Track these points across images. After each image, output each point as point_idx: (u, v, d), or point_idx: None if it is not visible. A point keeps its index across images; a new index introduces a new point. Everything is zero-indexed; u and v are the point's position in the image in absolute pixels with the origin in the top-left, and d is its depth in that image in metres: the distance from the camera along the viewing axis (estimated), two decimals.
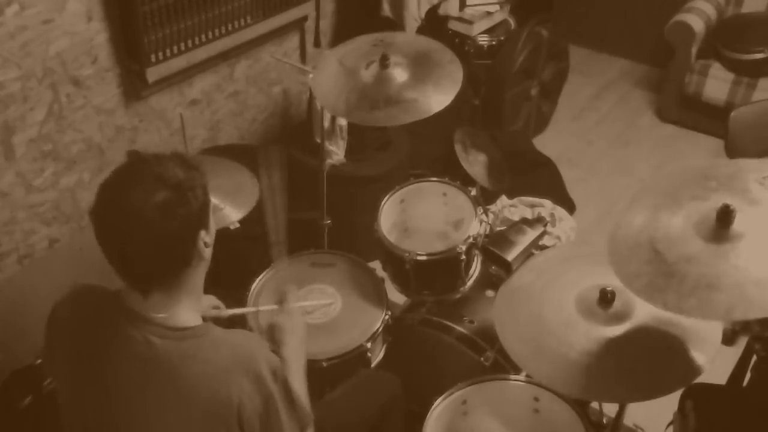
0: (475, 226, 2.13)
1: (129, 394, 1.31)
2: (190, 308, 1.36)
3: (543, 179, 3.36)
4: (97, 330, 1.34)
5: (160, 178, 1.25)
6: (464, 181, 2.30)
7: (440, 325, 2.18)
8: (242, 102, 3.13)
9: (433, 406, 1.76)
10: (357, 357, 1.97)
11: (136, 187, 1.24)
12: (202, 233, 1.32)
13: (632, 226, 1.47)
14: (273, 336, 1.63)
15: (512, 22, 3.63)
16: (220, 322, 1.72)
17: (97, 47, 2.44)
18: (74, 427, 1.40)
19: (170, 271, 1.30)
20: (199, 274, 1.37)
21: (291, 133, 3.27)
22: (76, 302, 1.41)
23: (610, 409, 2.01)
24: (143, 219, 1.22)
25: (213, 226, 1.38)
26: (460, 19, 3.49)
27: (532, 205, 3.00)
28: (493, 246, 2.05)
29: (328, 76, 2.13)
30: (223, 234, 1.78)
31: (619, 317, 1.63)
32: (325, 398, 1.78)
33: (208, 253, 1.35)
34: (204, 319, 1.40)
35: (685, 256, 1.36)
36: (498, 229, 2.71)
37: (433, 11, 3.44)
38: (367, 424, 1.82)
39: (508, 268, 1.97)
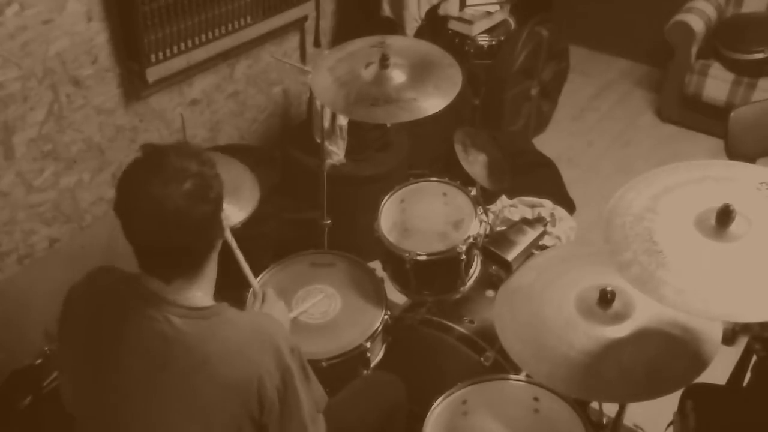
0: (475, 226, 2.13)
1: (147, 373, 1.32)
2: (206, 291, 1.39)
3: (543, 179, 3.36)
4: (114, 310, 1.36)
5: (182, 168, 1.28)
6: (464, 181, 2.30)
7: (440, 325, 2.18)
8: (242, 102, 3.13)
9: (433, 406, 1.76)
10: (357, 357, 1.97)
11: (163, 179, 1.26)
12: (222, 214, 1.37)
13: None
14: None
15: (512, 22, 3.63)
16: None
17: (97, 47, 2.44)
18: (88, 408, 1.41)
19: (198, 257, 1.34)
20: (215, 259, 1.41)
21: (291, 133, 3.27)
22: (94, 283, 1.43)
23: (610, 409, 2.01)
24: (175, 210, 1.25)
25: None
26: (460, 19, 3.49)
27: (532, 205, 3.00)
28: (493, 246, 2.05)
29: (327, 75, 2.14)
30: None
31: (619, 317, 1.63)
32: (329, 401, 1.79)
33: (226, 230, 1.43)
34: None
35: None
36: (498, 229, 2.72)
37: (433, 11, 3.44)
38: (370, 429, 1.82)
39: (508, 268, 1.97)
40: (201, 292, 1.37)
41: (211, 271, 1.40)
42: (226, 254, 1.72)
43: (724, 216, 1.37)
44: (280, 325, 1.45)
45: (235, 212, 2.07)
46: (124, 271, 1.40)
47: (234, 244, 1.77)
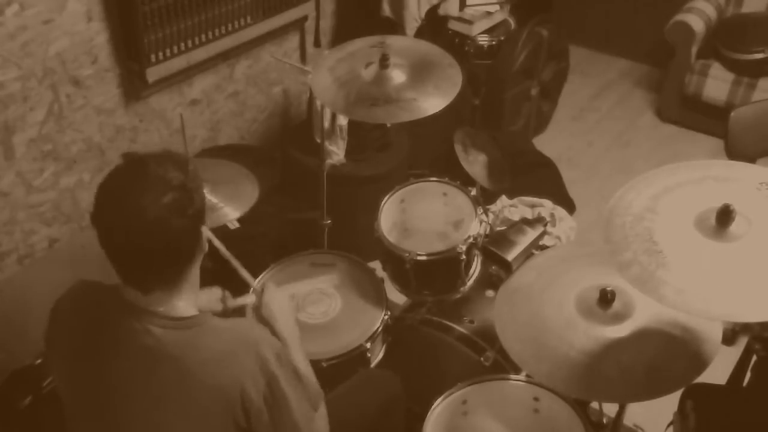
0: (475, 226, 2.12)
1: (131, 385, 1.32)
2: (188, 301, 1.38)
3: (543, 179, 3.36)
4: (98, 323, 1.36)
5: (164, 180, 1.26)
6: (464, 181, 2.30)
7: (440, 325, 2.18)
8: (242, 102, 3.13)
9: (433, 406, 1.76)
10: (357, 357, 1.96)
11: (143, 189, 1.24)
12: (204, 228, 1.35)
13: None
14: (262, 316, 1.65)
15: (512, 22, 3.63)
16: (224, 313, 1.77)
17: (97, 47, 2.44)
18: (77, 422, 1.41)
19: (177, 269, 1.32)
20: (197, 268, 1.40)
21: (291, 133, 3.27)
22: (77, 297, 1.42)
23: (610, 409, 2.01)
24: (154, 221, 1.23)
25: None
26: (460, 19, 3.48)
27: (532, 205, 3.00)
28: (493, 246, 2.05)
29: (327, 75, 2.14)
30: (223, 234, 1.78)
31: (619, 317, 1.63)
32: (325, 397, 1.79)
33: (206, 245, 1.39)
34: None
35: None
36: (498, 229, 2.71)
37: (433, 11, 3.44)
38: (367, 423, 1.82)
39: (508, 268, 1.97)
40: (183, 302, 1.36)
41: (192, 280, 1.38)
42: (222, 258, 1.72)
43: (724, 216, 1.36)
44: (263, 332, 1.44)
45: (234, 212, 2.07)
46: (105, 284, 1.39)
47: (223, 249, 1.77)
